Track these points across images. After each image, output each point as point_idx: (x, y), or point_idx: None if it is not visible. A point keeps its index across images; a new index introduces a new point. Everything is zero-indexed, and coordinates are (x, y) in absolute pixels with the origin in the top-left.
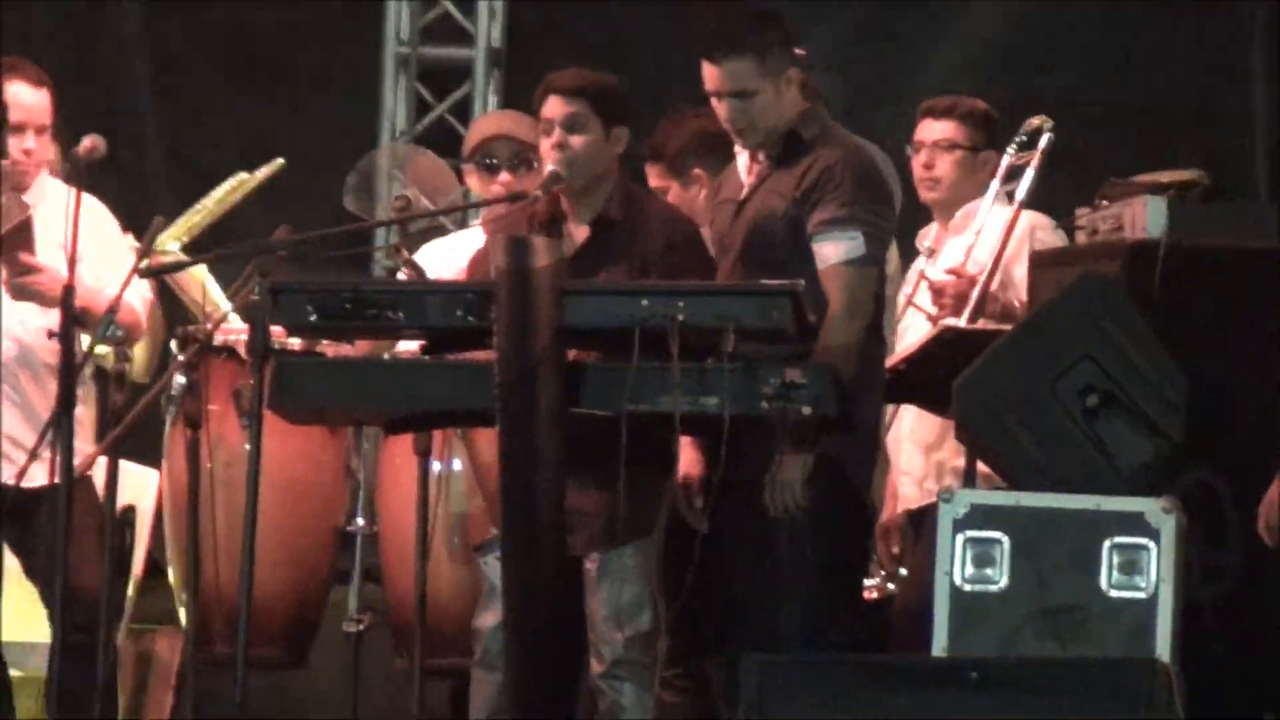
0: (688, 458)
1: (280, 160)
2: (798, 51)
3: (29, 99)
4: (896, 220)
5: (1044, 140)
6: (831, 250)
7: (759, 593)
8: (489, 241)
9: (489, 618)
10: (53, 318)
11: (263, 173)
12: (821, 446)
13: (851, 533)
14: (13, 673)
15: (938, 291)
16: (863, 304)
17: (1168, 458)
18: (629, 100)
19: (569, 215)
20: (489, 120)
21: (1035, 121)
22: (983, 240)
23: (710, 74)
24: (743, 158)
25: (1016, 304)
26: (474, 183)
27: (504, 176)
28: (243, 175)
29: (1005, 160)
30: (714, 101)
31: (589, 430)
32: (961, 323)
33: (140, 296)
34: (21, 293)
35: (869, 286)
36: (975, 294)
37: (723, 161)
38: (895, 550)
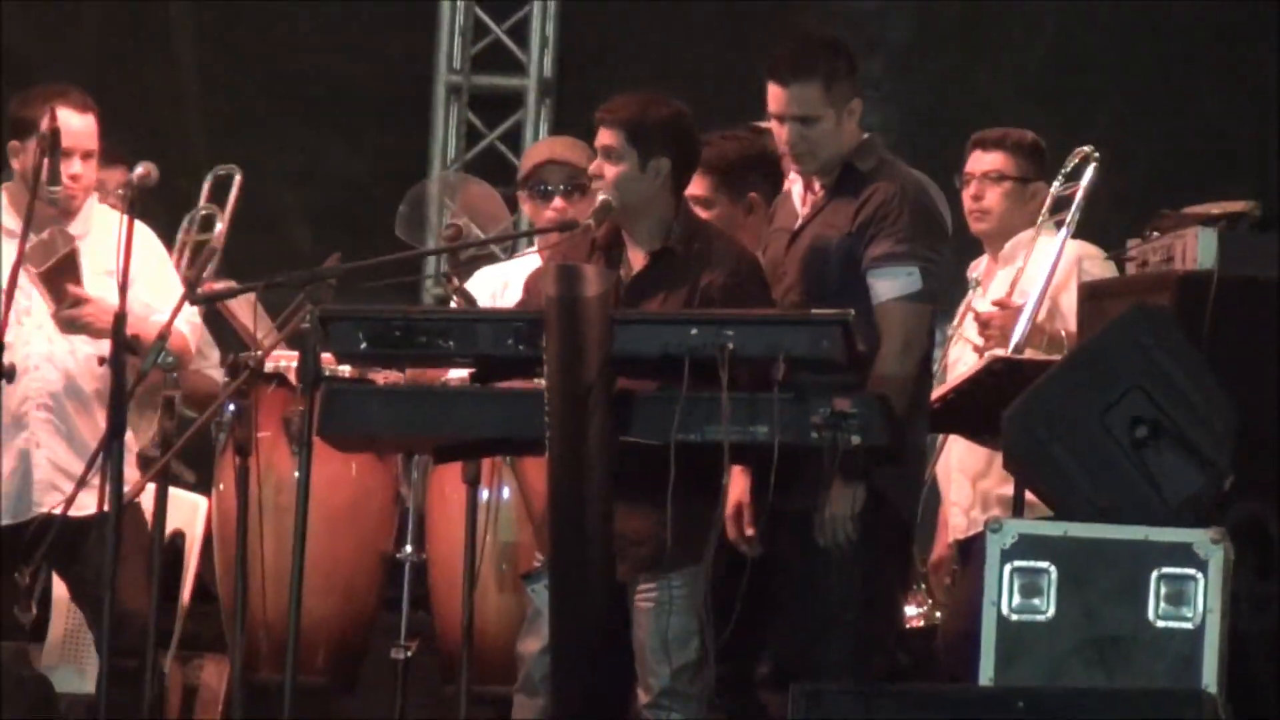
0: (740, 485)
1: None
2: None
3: (76, 124)
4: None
5: (1090, 171)
6: (887, 286)
7: (806, 622)
8: (542, 267)
9: (532, 643)
10: (103, 346)
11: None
12: (869, 478)
13: (896, 563)
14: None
15: (984, 323)
16: (917, 340)
17: (1216, 489)
18: (674, 130)
19: (627, 243)
20: (543, 146)
21: (1082, 152)
22: (1029, 271)
23: (776, 96)
24: (797, 186)
25: (1063, 334)
26: (528, 208)
27: (557, 202)
28: None
29: (1052, 191)
30: (775, 125)
31: (638, 458)
32: (1008, 353)
33: (189, 323)
34: (69, 325)
35: (924, 322)
36: (1023, 325)
37: (775, 188)
38: (947, 582)
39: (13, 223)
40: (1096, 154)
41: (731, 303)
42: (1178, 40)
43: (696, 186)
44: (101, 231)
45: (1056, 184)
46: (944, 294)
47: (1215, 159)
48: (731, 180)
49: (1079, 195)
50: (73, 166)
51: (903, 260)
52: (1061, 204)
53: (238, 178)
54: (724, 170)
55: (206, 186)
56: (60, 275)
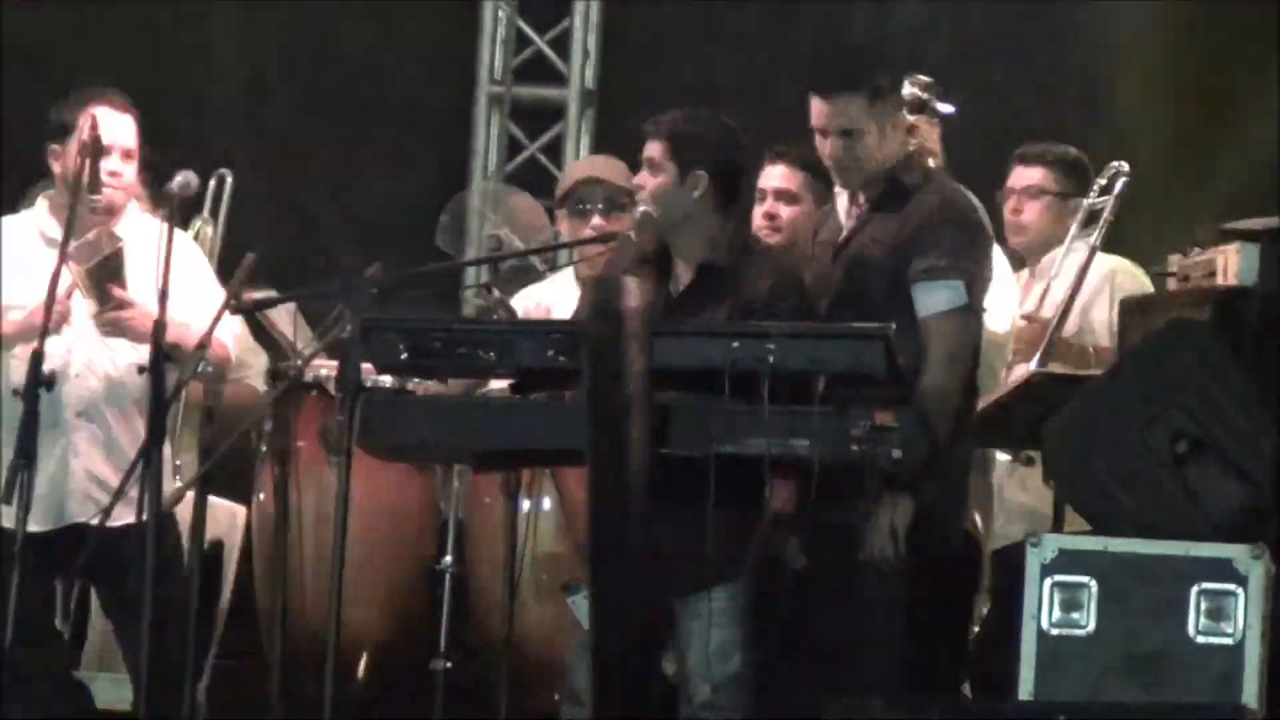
0: (782, 496)
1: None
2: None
3: (115, 123)
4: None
5: (1120, 185)
6: (933, 299)
7: (849, 636)
8: (585, 281)
9: (579, 653)
10: (144, 354)
11: None
12: (918, 494)
13: (942, 577)
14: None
15: (1014, 337)
16: (962, 353)
17: (1257, 504)
18: (715, 143)
19: (674, 256)
20: (582, 164)
21: (1113, 168)
22: (1057, 284)
23: (818, 109)
24: (842, 199)
25: (1091, 350)
26: (565, 227)
27: (595, 220)
28: None
29: (1084, 205)
30: (818, 138)
31: (678, 472)
32: (1034, 366)
33: (231, 332)
34: (111, 328)
35: (969, 336)
36: (1046, 338)
37: (821, 198)
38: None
39: (55, 231)
40: (1127, 170)
41: (775, 317)
42: (1222, 54)
43: (788, 181)
44: (142, 239)
45: (1088, 199)
46: None
47: (1257, 174)
48: (823, 176)
49: (1107, 210)
50: (112, 164)
51: (947, 274)
52: (1093, 218)
53: (229, 180)
54: (815, 167)
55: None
56: (104, 275)
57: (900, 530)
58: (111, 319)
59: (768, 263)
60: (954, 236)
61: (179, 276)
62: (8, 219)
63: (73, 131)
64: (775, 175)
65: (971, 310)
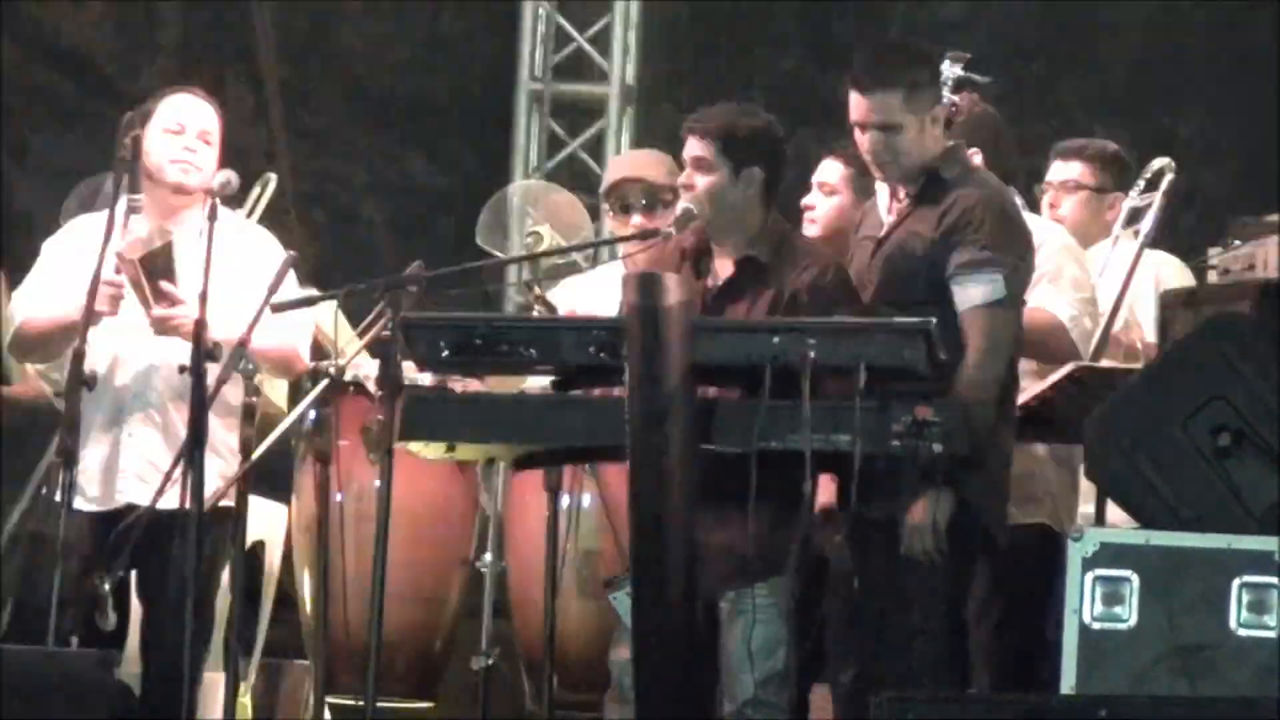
0: (827, 491)
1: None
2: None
3: (193, 105)
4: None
5: (1166, 181)
6: (972, 292)
7: (890, 631)
8: (626, 277)
9: (623, 651)
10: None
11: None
12: (958, 488)
13: (982, 570)
14: None
15: None
16: (1003, 346)
17: None
18: (765, 140)
19: (716, 251)
20: (623, 162)
21: (1158, 163)
22: (1104, 282)
23: (857, 104)
24: (883, 195)
25: (1139, 345)
26: (610, 223)
27: (637, 218)
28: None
29: (1128, 202)
30: (857, 133)
31: (720, 467)
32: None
33: (305, 332)
34: (162, 327)
35: (1009, 328)
36: (1096, 335)
37: (865, 194)
38: None
39: (142, 220)
40: (1173, 166)
41: (818, 307)
42: (1261, 49)
43: (829, 174)
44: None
45: (1132, 195)
46: None
47: None
48: (868, 171)
49: (1155, 207)
50: (188, 140)
51: (986, 267)
52: (1137, 215)
53: (272, 182)
54: (859, 162)
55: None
56: (155, 270)
57: (940, 524)
58: (162, 318)
59: (808, 255)
60: (993, 230)
61: (234, 279)
62: (85, 217)
63: (151, 117)
64: (820, 168)
65: (1010, 303)
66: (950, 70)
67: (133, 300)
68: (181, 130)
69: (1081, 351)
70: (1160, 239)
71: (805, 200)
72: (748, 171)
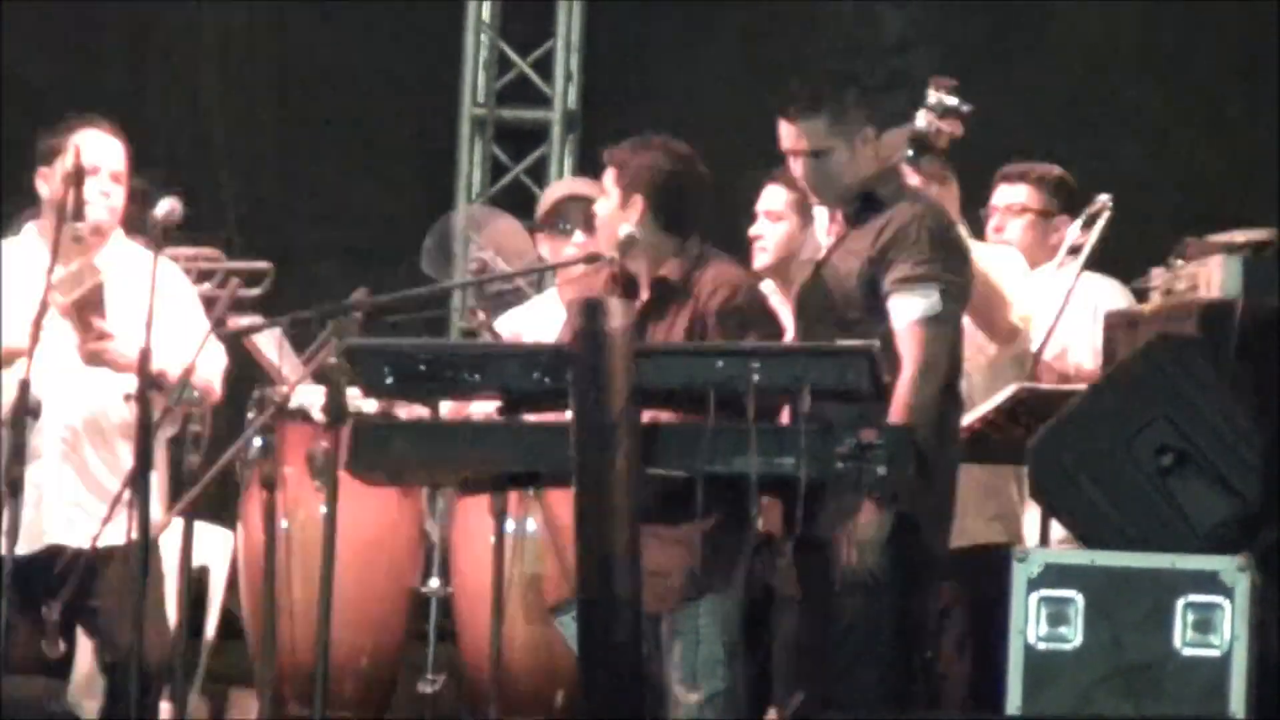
0: (771, 517)
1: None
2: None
3: (102, 144)
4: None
5: (1102, 220)
6: (907, 308)
7: (833, 652)
8: (570, 302)
9: None
10: (128, 382)
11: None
12: (897, 505)
13: (925, 591)
14: None
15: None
16: (938, 362)
17: (1243, 517)
18: (648, 170)
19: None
20: (561, 184)
21: (1098, 202)
22: (1043, 307)
23: (786, 132)
24: (821, 217)
25: (1072, 372)
26: (547, 246)
27: (578, 237)
28: None
29: (1068, 237)
30: (790, 160)
31: (662, 487)
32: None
33: (218, 365)
34: (93, 358)
35: (945, 345)
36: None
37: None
38: None
39: (45, 256)
40: (1111, 204)
41: (728, 329)
42: (1203, 70)
43: (773, 201)
44: (126, 266)
45: (1074, 229)
46: None
47: (1239, 188)
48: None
49: (1089, 243)
50: (100, 183)
51: (922, 282)
52: (1077, 250)
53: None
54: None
55: None
56: (87, 308)
57: (876, 542)
58: (93, 350)
59: (719, 277)
60: (928, 245)
61: (163, 305)
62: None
63: (59, 156)
64: (764, 196)
65: (946, 319)
66: (936, 96)
67: (63, 339)
68: (96, 171)
69: (1020, 337)
70: (1102, 260)
71: (753, 230)
72: (632, 198)
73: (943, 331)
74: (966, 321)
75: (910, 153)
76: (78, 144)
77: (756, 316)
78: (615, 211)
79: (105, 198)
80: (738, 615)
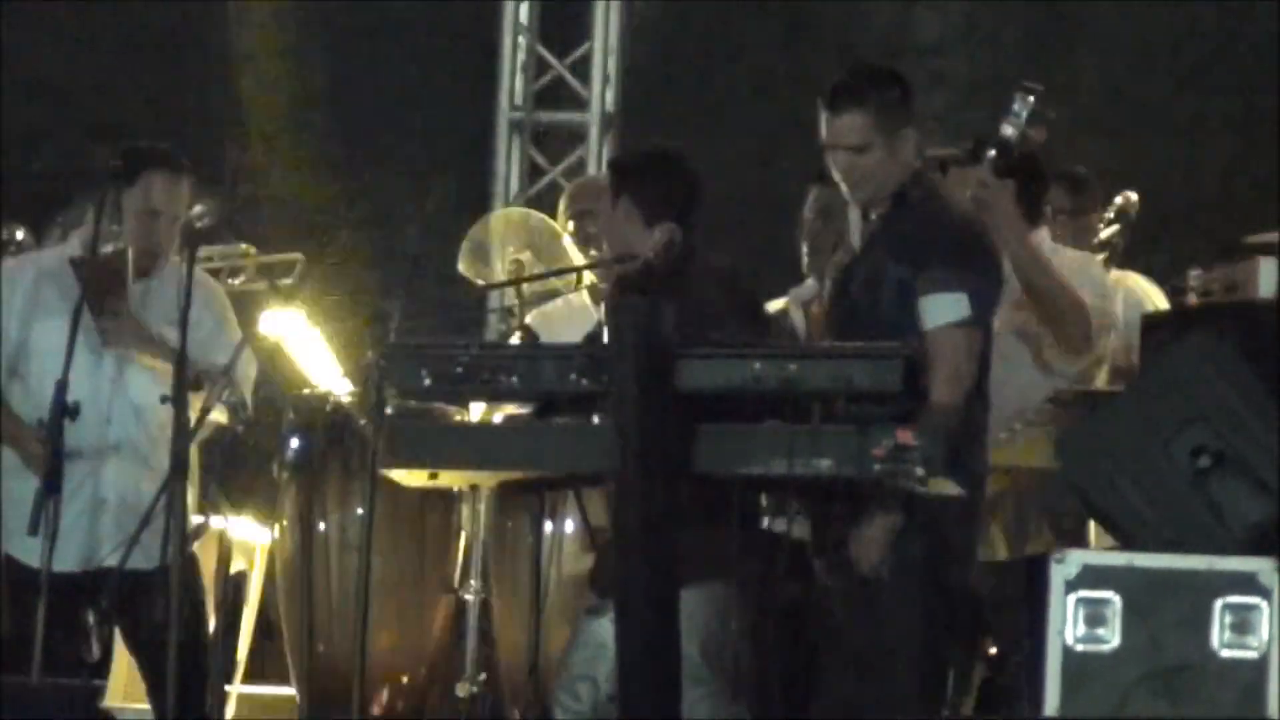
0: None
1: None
2: None
3: (169, 188)
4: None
5: (1129, 216)
6: (935, 312)
7: (866, 653)
8: (612, 303)
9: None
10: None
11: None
12: (928, 508)
13: (953, 594)
14: None
15: None
16: (965, 367)
17: None
18: (633, 171)
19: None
20: (583, 191)
21: (1121, 199)
22: None
23: (827, 125)
24: (855, 216)
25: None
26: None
27: (596, 252)
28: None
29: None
30: (828, 153)
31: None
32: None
33: (248, 368)
34: (111, 338)
35: (973, 348)
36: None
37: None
38: None
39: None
40: (1135, 201)
41: (706, 322)
42: (1239, 70)
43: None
44: (169, 279)
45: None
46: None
47: (1277, 189)
48: None
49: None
50: (161, 226)
51: (951, 286)
52: (1104, 246)
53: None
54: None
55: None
56: (104, 280)
57: (877, 542)
58: (109, 328)
59: (705, 272)
60: (959, 250)
61: (199, 317)
62: (33, 258)
63: (133, 187)
64: (809, 201)
65: (975, 322)
66: (1023, 103)
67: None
68: (156, 216)
69: (1095, 344)
70: (1144, 261)
71: (809, 230)
72: (620, 200)
73: (971, 334)
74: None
75: (992, 153)
76: (148, 186)
77: (736, 310)
78: (609, 214)
79: (157, 241)
80: (716, 615)
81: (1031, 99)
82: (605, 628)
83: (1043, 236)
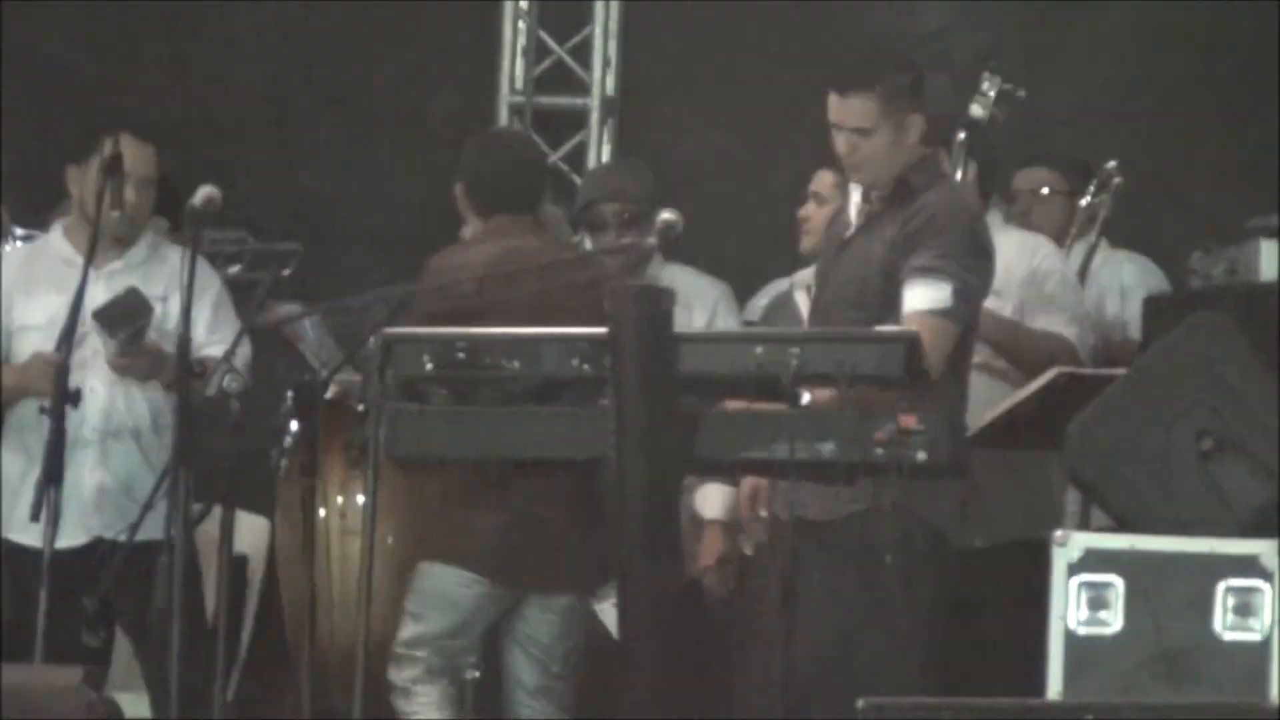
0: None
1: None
2: None
3: (133, 149)
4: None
5: (1114, 184)
6: (916, 297)
7: (867, 638)
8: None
9: None
10: None
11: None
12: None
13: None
14: None
15: None
16: (934, 357)
17: None
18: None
19: None
20: (596, 181)
21: (1106, 168)
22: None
23: (833, 105)
24: (855, 196)
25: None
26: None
27: (612, 237)
28: None
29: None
30: (834, 134)
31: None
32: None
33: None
34: (121, 371)
35: (946, 340)
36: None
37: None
38: None
39: (71, 254)
40: (1118, 169)
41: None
42: (1241, 55)
43: (819, 184)
44: (157, 262)
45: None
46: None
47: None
48: None
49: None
50: (129, 190)
51: (937, 274)
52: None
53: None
54: None
55: None
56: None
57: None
58: (121, 365)
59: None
60: (952, 239)
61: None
62: (24, 244)
63: (93, 153)
64: (815, 179)
65: (953, 315)
66: (992, 83)
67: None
68: (125, 178)
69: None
70: (1144, 243)
71: (801, 211)
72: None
73: (946, 326)
74: None
75: (962, 135)
76: (114, 139)
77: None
78: None
79: (136, 198)
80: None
81: (1000, 79)
82: (609, 613)
83: (993, 216)
